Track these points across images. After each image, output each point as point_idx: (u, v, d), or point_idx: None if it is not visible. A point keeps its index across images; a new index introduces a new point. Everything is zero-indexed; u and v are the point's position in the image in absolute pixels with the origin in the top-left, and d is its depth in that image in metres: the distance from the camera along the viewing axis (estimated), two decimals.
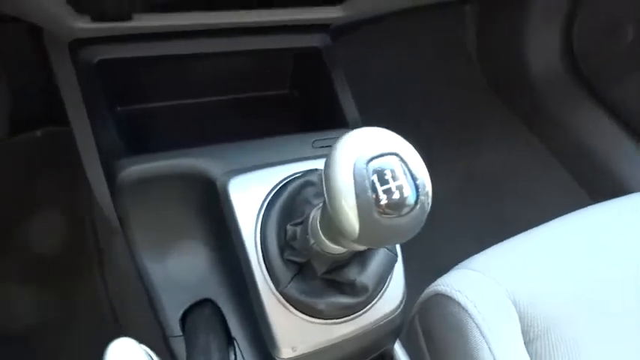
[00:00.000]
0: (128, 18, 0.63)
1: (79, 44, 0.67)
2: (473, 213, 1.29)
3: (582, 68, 1.37)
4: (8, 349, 0.90)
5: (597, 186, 1.29)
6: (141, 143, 0.65)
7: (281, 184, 0.57)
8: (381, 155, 0.36)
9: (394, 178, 0.36)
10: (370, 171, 0.36)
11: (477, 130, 1.44)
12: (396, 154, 0.36)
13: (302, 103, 0.78)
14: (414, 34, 1.33)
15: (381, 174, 0.36)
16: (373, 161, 0.36)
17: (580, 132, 1.36)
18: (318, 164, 0.60)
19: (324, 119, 0.72)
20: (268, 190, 0.57)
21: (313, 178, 0.55)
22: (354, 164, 0.36)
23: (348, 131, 0.39)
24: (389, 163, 0.36)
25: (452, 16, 1.48)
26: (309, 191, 0.54)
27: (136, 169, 0.59)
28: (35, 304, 0.96)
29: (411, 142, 0.38)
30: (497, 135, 1.44)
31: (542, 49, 1.39)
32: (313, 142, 0.64)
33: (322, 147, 0.64)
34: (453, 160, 1.34)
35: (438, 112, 1.41)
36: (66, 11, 0.60)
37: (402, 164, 0.36)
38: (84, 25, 0.62)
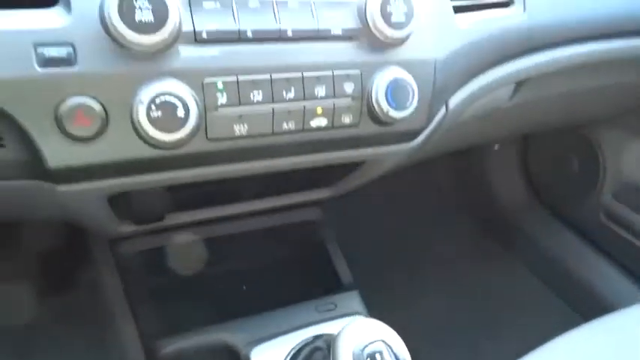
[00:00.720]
0: (162, 219, 0.79)
1: (118, 239, 0.82)
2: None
3: (542, 194, 1.57)
4: None
5: (580, 303, 1.41)
6: (174, 316, 0.78)
7: (294, 351, 0.69)
8: (372, 342, 0.50)
9: (383, 359, 0.49)
10: (365, 355, 0.49)
11: (463, 255, 1.57)
12: (383, 341, 0.50)
13: (302, 267, 0.92)
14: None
15: (372, 356, 0.49)
16: (367, 347, 0.50)
17: (554, 251, 1.51)
18: (324, 328, 0.73)
19: (322, 281, 0.87)
20: (284, 357, 0.69)
21: (321, 344, 0.68)
22: (353, 352, 0.49)
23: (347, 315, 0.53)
24: (378, 348, 0.50)
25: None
26: (318, 355, 0.66)
27: (173, 347, 0.72)
28: None
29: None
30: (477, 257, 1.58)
31: (506, 182, 1.60)
32: (317, 308, 0.78)
33: (325, 311, 0.78)
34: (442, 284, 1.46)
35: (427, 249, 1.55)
36: (111, 219, 0.76)
37: (388, 348, 0.50)
38: (126, 228, 0.78)
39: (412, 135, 0.66)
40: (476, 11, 0.71)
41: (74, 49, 0.45)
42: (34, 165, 0.48)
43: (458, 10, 0.68)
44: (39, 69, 0.44)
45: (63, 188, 0.52)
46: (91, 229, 0.84)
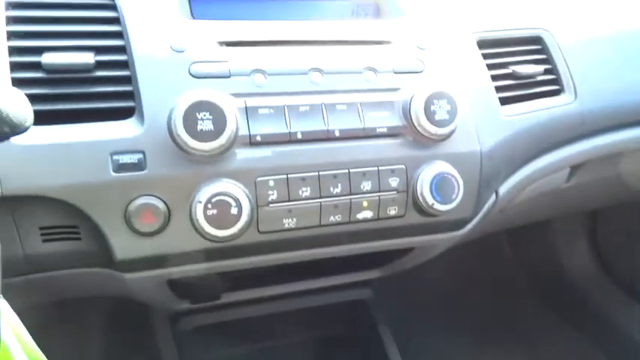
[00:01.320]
0: (218, 298, 0.83)
1: (178, 314, 0.86)
2: None
3: (614, 268, 1.48)
4: None
5: None
6: None
7: None
8: None
9: None
10: None
11: (527, 333, 1.49)
12: None
13: (352, 347, 0.92)
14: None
15: None
16: None
17: (627, 329, 1.40)
18: None
19: None
20: None
21: None
22: None
23: None
24: None
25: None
26: None
27: None
28: None
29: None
30: (548, 337, 1.49)
31: (574, 254, 1.53)
32: None
33: None
34: None
35: (487, 320, 1.50)
36: (171, 298, 0.80)
37: None
38: (184, 306, 0.82)
39: (460, 224, 0.66)
40: (524, 102, 0.72)
41: (144, 156, 0.51)
42: (105, 256, 0.53)
43: (505, 101, 0.70)
44: (113, 174, 0.50)
45: (128, 276, 0.56)
46: (152, 305, 0.89)
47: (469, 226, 0.68)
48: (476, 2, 0.78)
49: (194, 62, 0.54)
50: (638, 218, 1.39)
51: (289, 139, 0.55)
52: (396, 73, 0.62)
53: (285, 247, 0.59)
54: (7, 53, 0.51)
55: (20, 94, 0.38)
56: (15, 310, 0.40)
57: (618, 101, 0.79)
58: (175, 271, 0.58)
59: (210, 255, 0.56)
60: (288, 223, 0.56)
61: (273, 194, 0.54)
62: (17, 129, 0.37)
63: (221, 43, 0.57)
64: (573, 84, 0.75)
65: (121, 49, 0.54)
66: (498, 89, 0.70)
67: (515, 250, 1.64)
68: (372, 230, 0.61)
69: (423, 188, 0.59)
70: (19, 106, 0.37)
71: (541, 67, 0.74)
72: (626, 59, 0.81)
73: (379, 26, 0.65)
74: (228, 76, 0.55)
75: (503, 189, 0.73)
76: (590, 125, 0.78)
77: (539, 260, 1.58)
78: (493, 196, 0.72)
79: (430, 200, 0.59)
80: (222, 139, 0.51)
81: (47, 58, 0.51)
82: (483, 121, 0.65)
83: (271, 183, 0.54)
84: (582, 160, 0.80)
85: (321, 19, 0.65)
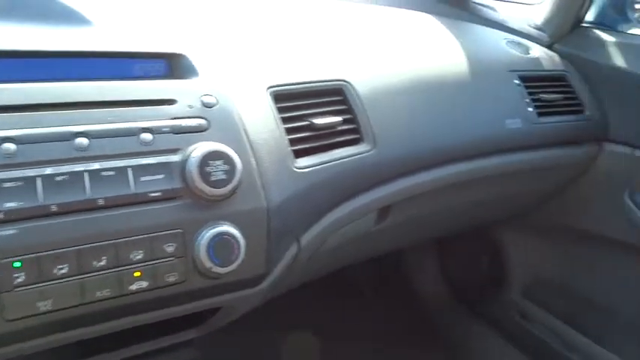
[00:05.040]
0: None
1: None
2: None
3: (461, 293, 1.58)
4: None
5: None
6: None
7: None
8: None
9: None
10: None
11: None
12: None
13: None
14: None
15: None
16: None
17: (476, 350, 1.49)
18: None
19: None
20: None
21: None
22: None
23: None
24: None
25: None
26: None
27: None
28: None
29: None
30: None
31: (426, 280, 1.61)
32: None
33: None
34: None
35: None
36: None
37: None
38: None
39: (253, 282, 0.66)
40: (323, 152, 0.74)
41: None
42: None
43: (301, 153, 0.71)
44: None
45: None
46: None
47: (267, 281, 0.68)
48: (277, 58, 0.79)
49: None
50: (473, 245, 1.51)
51: (41, 214, 0.51)
52: (176, 133, 0.60)
53: (47, 331, 0.54)
54: None
55: None
56: None
57: (415, 147, 0.84)
58: None
59: None
60: (44, 305, 0.51)
61: (19, 277, 0.49)
62: None
63: None
64: (372, 133, 0.79)
65: None
66: (293, 142, 0.71)
67: (371, 285, 1.70)
68: (151, 300, 0.58)
69: (200, 252, 0.57)
70: None
71: (340, 118, 0.77)
72: (421, 107, 0.87)
73: (165, 86, 0.63)
74: None
75: (306, 238, 0.73)
76: (390, 170, 0.82)
77: (394, 291, 1.65)
78: (295, 247, 0.72)
79: (208, 264, 0.57)
80: None
81: None
82: (274, 176, 0.66)
83: (17, 264, 0.49)
84: (386, 204, 0.84)
85: (100, 79, 0.61)
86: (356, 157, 0.77)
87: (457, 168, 0.91)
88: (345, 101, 0.80)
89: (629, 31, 1.20)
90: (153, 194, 0.56)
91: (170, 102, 0.62)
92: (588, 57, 1.13)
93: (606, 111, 1.10)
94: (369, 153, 0.78)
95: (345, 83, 0.80)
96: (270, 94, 0.71)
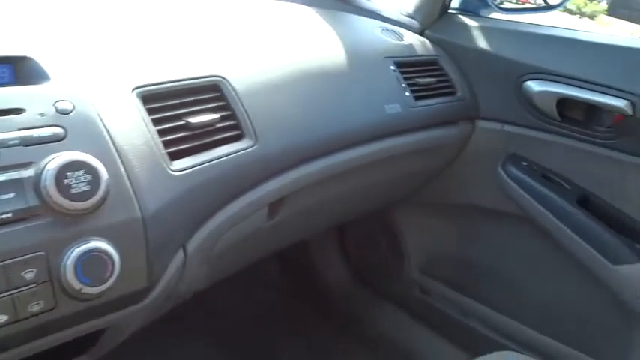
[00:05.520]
0: None
1: None
2: None
3: (364, 275, 1.62)
4: None
5: None
6: None
7: None
8: None
9: None
10: None
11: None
12: None
13: None
14: None
15: None
16: None
17: (383, 328, 1.54)
18: None
19: None
20: None
21: None
22: None
23: None
24: None
25: None
26: None
27: None
28: None
29: None
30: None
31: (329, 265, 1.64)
32: None
33: None
34: None
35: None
36: None
37: None
38: None
39: (135, 297, 0.61)
40: (202, 152, 0.71)
41: None
42: None
43: (177, 155, 0.68)
44: None
45: None
46: None
47: (154, 295, 0.64)
48: (144, 56, 0.74)
49: None
50: (370, 227, 1.56)
51: None
52: (27, 145, 0.54)
53: None
54: None
55: None
56: None
57: (298, 139, 0.84)
58: None
59: None
60: None
61: None
62: None
63: None
64: (253, 128, 0.77)
65: None
66: (168, 144, 0.67)
67: (283, 275, 1.69)
68: (22, 332, 0.52)
69: (67, 273, 0.52)
70: None
71: (218, 115, 0.74)
72: (301, 98, 0.87)
73: (10, 93, 0.57)
74: None
75: (192, 244, 0.70)
76: (275, 164, 0.81)
77: (300, 278, 1.66)
78: (180, 254, 0.69)
79: (77, 285, 0.52)
80: None
81: None
82: (148, 183, 0.62)
83: None
84: (276, 198, 0.83)
85: None
86: (238, 154, 0.74)
87: (343, 156, 0.92)
88: (222, 97, 0.77)
89: (490, 16, 1.30)
90: (3, 216, 0.50)
91: (17, 111, 0.55)
92: (456, 41, 1.20)
93: (475, 91, 1.18)
94: (252, 149, 0.76)
95: (220, 79, 0.78)
96: (137, 95, 0.67)
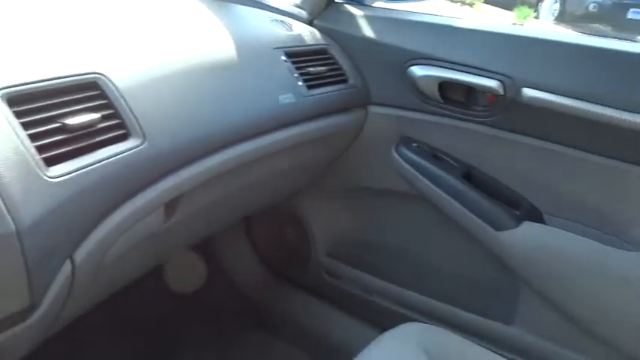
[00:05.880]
0: None
1: None
2: None
3: (273, 266, 1.63)
4: None
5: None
6: None
7: None
8: None
9: None
10: None
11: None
12: None
13: None
14: None
15: None
16: None
17: (298, 317, 1.56)
18: None
19: None
20: None
21: None
22: None
23: None
24: None
25: None
26: None
27: None
28: None
29: None
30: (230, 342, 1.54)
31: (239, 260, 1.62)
32: None
33: None
34: None
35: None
36: None
37: None
38: None
39: (17, 318, 0.57)
40: (81, 156, 0.66)
41: None
42: None
43: (54, 160, 0.63)
44: None
45: None
46: None
47: (40, 311, 0.59)
48: (9, 55, 0.68)
49: None
50: (275, 219, 1.56)
51: None
52: None
53: None
54: None
55: None
56: None
57: (189, 134, 0.81)
58: None
59: None
60: None
61: None
62: None
63: None
64: (140, 126, 0.74)
65: None
66: (42, 149, 0.62)
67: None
68: None
69: None
70: None
71: (99, 115, 0.70)
72: (191, 93, 0.84)
73: None
74: None
75: (80, 254, 0.66)
76: (167, 162, 0.78)
77: (209, 276, 1.62)
78: (68, 266, 0.64)
79: None
80: None
81: None
82: (21, 193, 0.56)
83: None
84: (171, 197, 0.81)
85: None
86: (125, 154, 0.71)
87: (240, 149, 0.91)
88: (102, 96, 0.72)
89: (375, 5, 1.35)
90: None
91: None
92: (344, 30, 1.23)
93: (366, 78, 1.22)
94: (140, 148, 0.73)
95: (99, 76, 0.73)
96: (2, 97, 0.61)
